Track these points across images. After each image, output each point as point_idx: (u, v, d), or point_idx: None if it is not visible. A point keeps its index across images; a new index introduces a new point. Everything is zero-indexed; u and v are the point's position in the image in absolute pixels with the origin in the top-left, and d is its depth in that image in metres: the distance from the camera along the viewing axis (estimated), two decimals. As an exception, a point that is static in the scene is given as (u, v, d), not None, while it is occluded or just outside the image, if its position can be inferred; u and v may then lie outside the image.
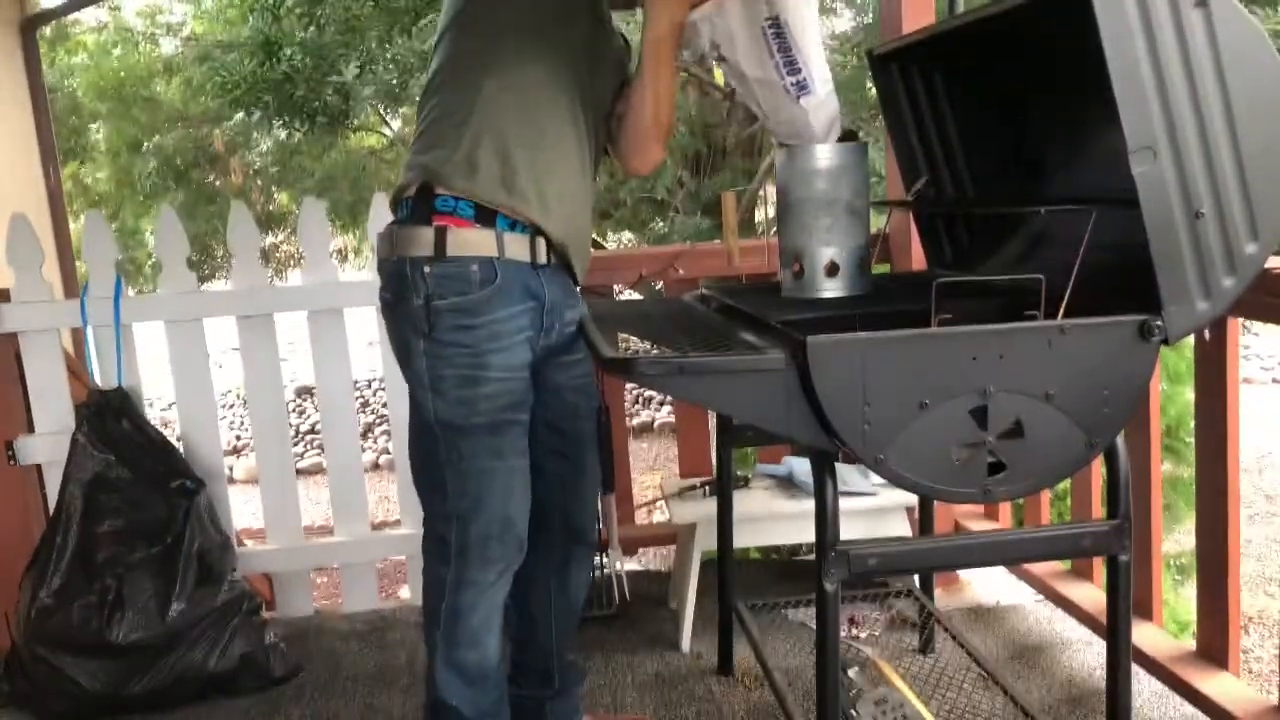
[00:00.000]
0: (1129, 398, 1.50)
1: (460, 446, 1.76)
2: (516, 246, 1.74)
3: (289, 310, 2.87)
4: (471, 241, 1.71)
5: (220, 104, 6.42)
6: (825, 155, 1.85)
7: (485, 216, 1.72)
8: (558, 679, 2.06)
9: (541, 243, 1.76)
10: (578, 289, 1.89)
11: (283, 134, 6.61)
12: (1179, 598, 4.20)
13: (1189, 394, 3.96)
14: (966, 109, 2.09)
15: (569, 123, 1.78)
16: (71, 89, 7.78)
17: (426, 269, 1.70)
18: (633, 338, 2.02)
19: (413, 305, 1.72)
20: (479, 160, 1.71)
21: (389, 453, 8.46)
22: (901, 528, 2.57)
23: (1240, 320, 2.05)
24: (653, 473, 7.92)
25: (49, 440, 2.73)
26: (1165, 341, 1.47)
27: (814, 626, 1.93)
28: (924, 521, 2.42)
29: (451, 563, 1.81)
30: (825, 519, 1.51)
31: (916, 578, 2.53)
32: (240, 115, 6.87)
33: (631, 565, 4.25)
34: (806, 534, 1.97)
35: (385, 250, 1.77)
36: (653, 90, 1.83)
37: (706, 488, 2.68)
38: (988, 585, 2.84)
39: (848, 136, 1.91)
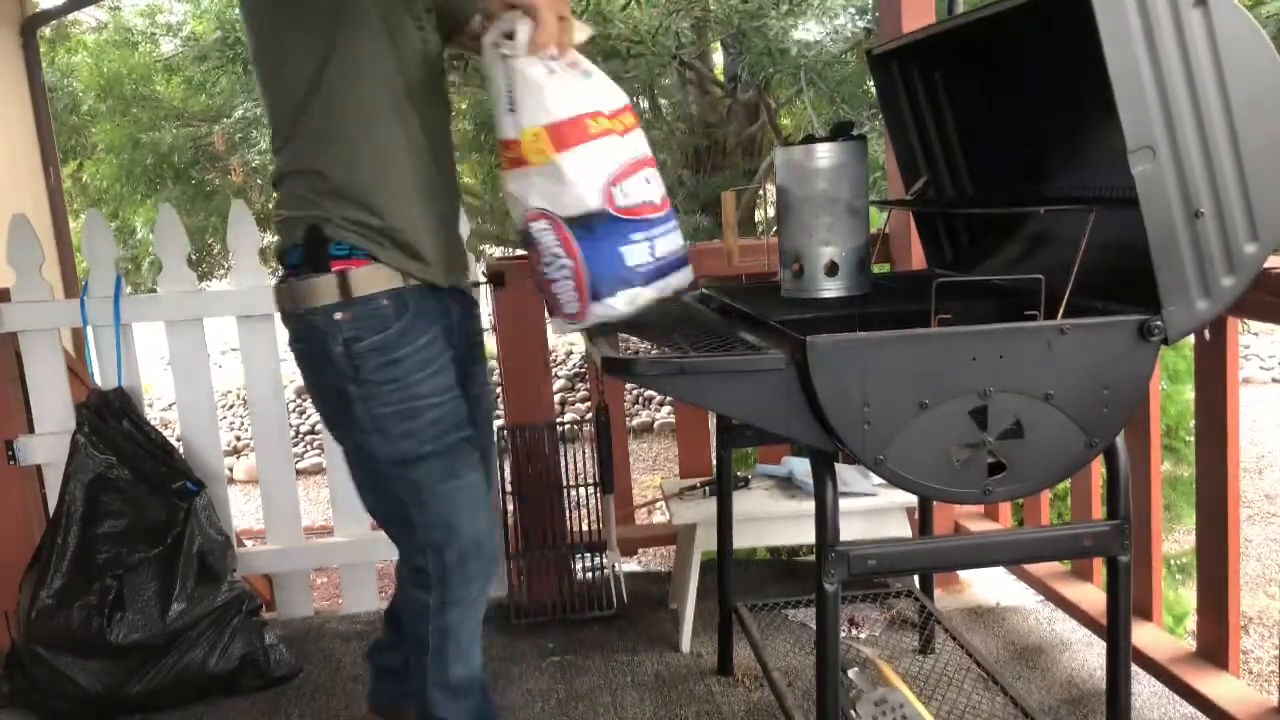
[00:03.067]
0: (1129, 398, 1.50)
1: (416, 479, 1.77)
2: (420, 268, 1.74)
3: (289, 310, 2.86)
4: (374, 278, 1.70)
5: (220, 100, 6.41)
6: (825, 154, 1.85)
7: (375, 252, 1.70)
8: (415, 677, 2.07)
9: (426, 263, 1.76)
10: (475, 300, 1.92)
11: None
12: (1177, 596, 4.20)
13: (1189, 393, 3.97)
14: (966, 109, 2.08)
15: (404, 144, 1.72)
16: (71, 88, 7.79)
17: (338, 315, 1.69)
18: (632, 338, 2.02)
19: (334, 354, 1.70)
20: (347, 202, 1.69)
21: (389, 452, 8.44)
22: (901, 528, 2.57)
23: (1240, 320, 2.05)
24: (653, 473, 7.92)
25: (49, 440, 2.73)
26: (1165, 341, 1.47)
27: (814, 626, 1.93)
28: (924, 522, 2.42)
29: (433, 589, 1.83)
30: (825, 519, 1.51)
31: (916, 578, 2.53)
32: (240, 113, 6.87)
33: (631, 566, 4.26)
34: (806, 534, 1.97)
35: (288, 303, 1.74)
36: None
37: (706, 488, 2.67)
38: (988, 585, 2.84)
39: (846, 130, 1.90)
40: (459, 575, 1.81)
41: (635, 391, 9.33)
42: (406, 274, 1.72)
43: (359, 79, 1.67)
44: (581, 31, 1.63)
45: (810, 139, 1.90)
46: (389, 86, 1.69)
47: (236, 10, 5.86)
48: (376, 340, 1.70)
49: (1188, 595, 4.23)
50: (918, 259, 2.54)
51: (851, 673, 2.17)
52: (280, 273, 1.79)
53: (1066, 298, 1.50)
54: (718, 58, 6.79)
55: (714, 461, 2.54)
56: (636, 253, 1.61)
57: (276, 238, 1.80)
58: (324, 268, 1.69)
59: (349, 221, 1.69)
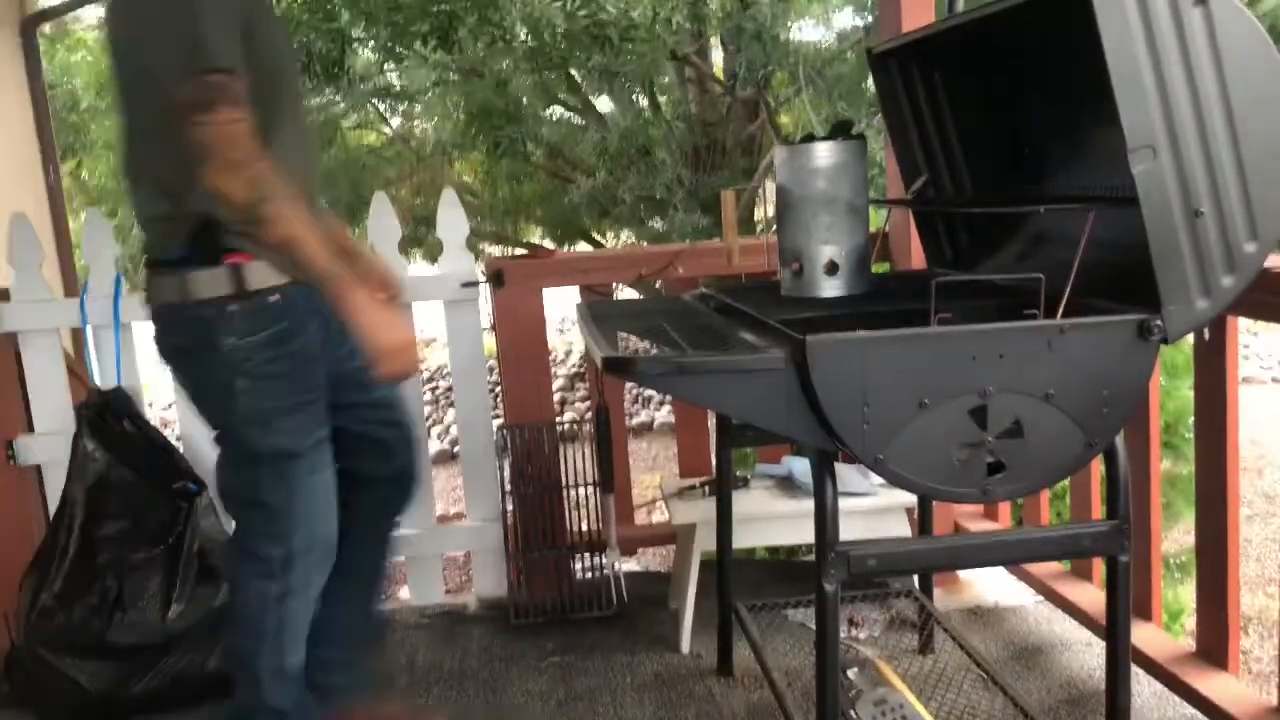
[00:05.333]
0: (1128, 397, 1.50)
1: (287, 470, 1.81)
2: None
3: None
4: (265, 273, 1.72)
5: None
6: (825, 154, 1.85)
7: (258, 250, 1.71)
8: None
9: None
10: None
11: None
12: (1175, 594, 4.20)
13: (1187, 389, 3.96)
14: (966, 108, 2.08)
15: (292, 140, 1.76)
16: (71, 86, 7.78)
17: (231, 308, 1.71)
18: (632, 337, 2.03)
19: (223, 347, 1.72)
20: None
21: (389, 452, 8.44)
22: (901, 528, 2.57)
23: (1239, 319, 2.05)
24: (652, 473, 7.91)
25: (49, 440, 2.73)
26: (1165, 340, 1.47)
27: (814, 626, 1.93)
28: (924, 521, 2.42)
29: (276, 576, 1.87)
30: (825, 519, 1.51)
31: (916, 578, 2.53)
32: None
33: (631, 565, 4.25)
34: (806, 534, 1.97)
35: (173, 296, 1.73)
36: (286, 243, 1.63)
37: (706, 488, 2.67)
38: (988, 585, 2.83)
39: (846, 129, 1.90)
40: (303, 565, 1.87)
41: (635, 391, 9.33)
42: (292, 273, 1.73)
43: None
44: None
45: (810, 138, 1.89)
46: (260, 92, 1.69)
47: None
48: (267, 335, 1.73)
49: (1185, 593, 4.23)
50: (918, 258, 2.54)
51: (851, 673, 2.17)
52: (156, 269, 1.77)
53: (1066, 297, 1.50)
54: (717, 56, 6.78)
55: (714, 461, 2.54)
56: None
57: (148, 234, 1.79)
58: (217, 261, 1.70)
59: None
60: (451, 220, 2.81)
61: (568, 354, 10.57)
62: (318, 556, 1.89)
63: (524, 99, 5.72)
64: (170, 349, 1.81)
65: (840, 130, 1.89)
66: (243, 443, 1.82)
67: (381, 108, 7.50)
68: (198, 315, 1.72)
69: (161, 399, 9.72)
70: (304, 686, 1.98)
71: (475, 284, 2.80)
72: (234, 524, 2.00)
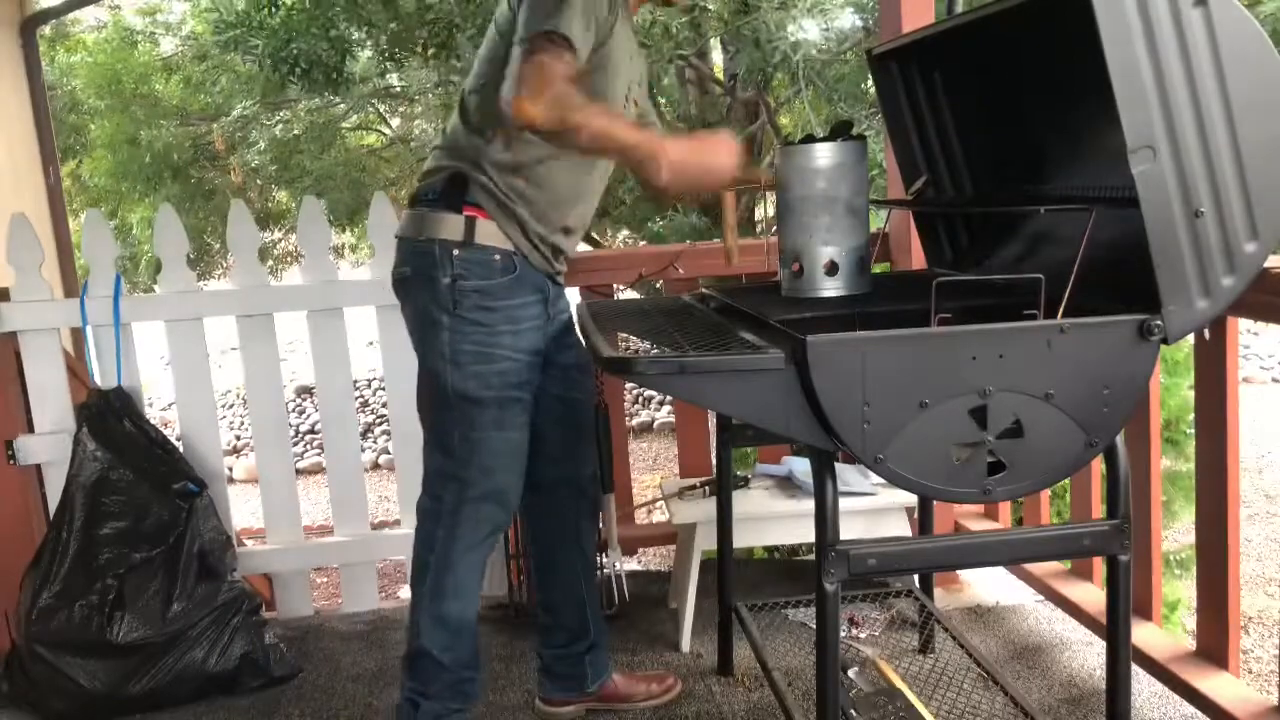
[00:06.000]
0: (1129, 397, 1.50)
1: (471, 416, 1.92)
2: (535, 255, 1.94)
3: (289, 310, 2.87)
4: (494, 233, 1.89)
5: (220, 99, 6.37)
6: (825, 154, 1.85)
7: (508, 214, 1.90)
8: (593, 630, 2.24)
9: (550, 253, 1.97)
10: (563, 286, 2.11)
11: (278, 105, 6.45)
12: (1172, 588, 4.19)
13: (1188, 386, 3.96)
14: (966, 109, 2.08)
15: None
16: (71, 87, 7.78)
17: (456, 252, 1.87)
18: (632, 337, 2.04)
19: (439, 283, 1.87)
20: (509, 173, 1.89)
21: (389, 453, 8.45)
22: (901, 528, 2.57)
23: (1240, 319, 2.05)
24: (653, 473, 7.92)
25: (49, 440, 2.73)
26: (1165, 341, 1.47)
27: (814, 626, 1.93)
28: (924, 521, 2.42)
29: (443, 519, 1.96)
30: (825, 519, 1.51)
31: (916, 578, 2.53)
32: (238, 112, 6.85)
33: (631, 565, 4.25)
34: (806, 534, 1.97)
35: (413, 230, 1.91)
36: (596, 137, 1.73)
37: (706, 488, 2.67)
38: (988, 585, 2.84)
39: (846, 130, 1.90)
40: (473, 514, 1.96)
41: (635, 391, 9.33)
42: (517, 246, 1.91)
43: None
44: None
45: (810, 138, 1.89)
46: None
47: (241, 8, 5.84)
48: (480, 284, 1.88)
49: (1182, 588, 4.23)
50: (918, 259, 2.54)
51: (851, 673, 2.17)
52: (410, 206, 1.96)
53: (1066, 297, 1.50)
54: (717, 56, 6.78)
55: (714, 461, 2.54)
56: None
57: (420, 178, 1.98)
58: (457, 209, 1.88)
59: (494, 179, 1.88)
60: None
61: (568, 354, 10.57)
62: (490, 508, 1.97)
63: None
64: (398, 278, 1.97)
65: (840, 131, 1.89)
66: (437, 379, 1.93)
67: (381, 109, 7.50)
68: (426, 250, 1.89)
69: (161, 399, 9.74)
70: (471, 640, 2.04)
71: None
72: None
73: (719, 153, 1.76)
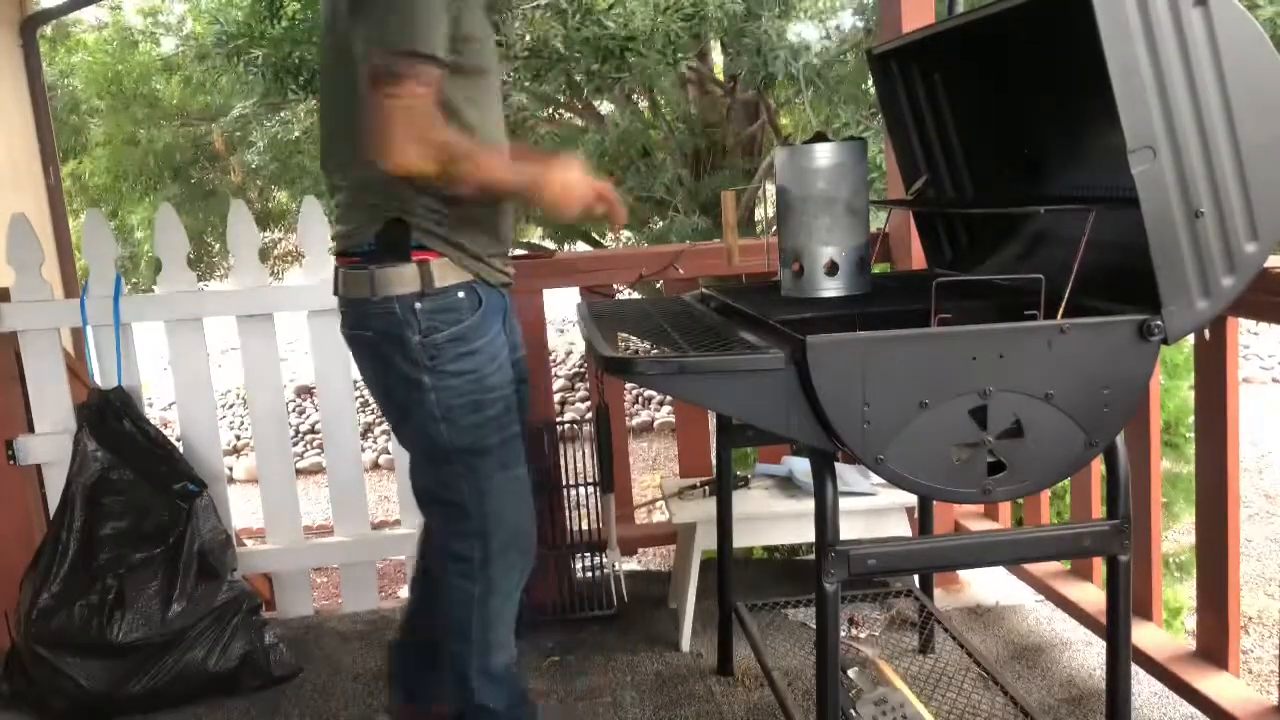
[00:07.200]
0: (1129, 397, 1.50)
1: (478, 468, 1.82)
2: (493, 272, 1.83)
3: (289, 310, 2.86)
4: (450, 270, 1.76)
5: (220, 99, 6.35)
6: (825, 154, 1.85)
7: (456, 245, 1.77)
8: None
9: (503, 262, 1.87)
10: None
11: (275, 104, 6.42)
12: (1174, 592, 4.20)
13: (1188, 388, 3.96)
14: (966, 109, 2.08)
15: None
16: (71, 87, 7.79)
17: (419, 305, 1.74)
18: (632, 337, 2.03)
19: (411, 343, 1.74)
20: (429, 196, 1.73)
21: (389, 453, 8.46)
22: (901, 528, 2.57)
23: (1240, 319, 2.05)
24: (653, 473, 7.92)
25: (49, 440, 2.73)
26: (1165, 341, 1.47)
27: (814, 626, 1.93)
28: (924, 521, 2.42)
29: (476, 576, 1.87)
30: (825, 519, 1.51)
31: (916, 578, 2.53)
32: (238, 112, 6.85)
33: (631, 565, 4.26)
34: (806, 534, 1.97)
35: (365, 290, 1.76)
36: (482, 187, 1.71)
37: (706, 488, 2.68)
38: (988, 585, 2.84)
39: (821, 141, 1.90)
40: (502, 563, 1.87)
41: (635, 391, 9.34)
42: (476, 272, 1.79)
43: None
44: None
45: (819, 137, 1.90)
46: (464, 86, 1.73)
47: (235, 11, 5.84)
48: (453, 332, 1.75)
49: (1184, 592, 4.23)
50: (918, 259, 2.55)
51: (851, 672, 2.17)
52: (345, 261, 1.81)
53: (1066, 297, 1.50)
54: (717, 56, 6.78)
55: (714, 461, 2.55)
56: None
57: (340, 225, 1.83)
58: (406, 257, 1.73)
59: (429, 212, 1.73)
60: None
61: (568, 354, 10.59)
62: (515, 555, 1.89)
63: (523, 109, 5.72)
64: (358, 342, 1.83)
65: (818, 141, 1.90)
66: (432, 440, 1.82)
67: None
68: (386, 310, 1.75)
69: (161, 399, 9.74)
70: (518, 686, 1.98)
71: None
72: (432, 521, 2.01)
73: (574, 171, 1.75)
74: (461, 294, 1.77)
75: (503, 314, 1.88)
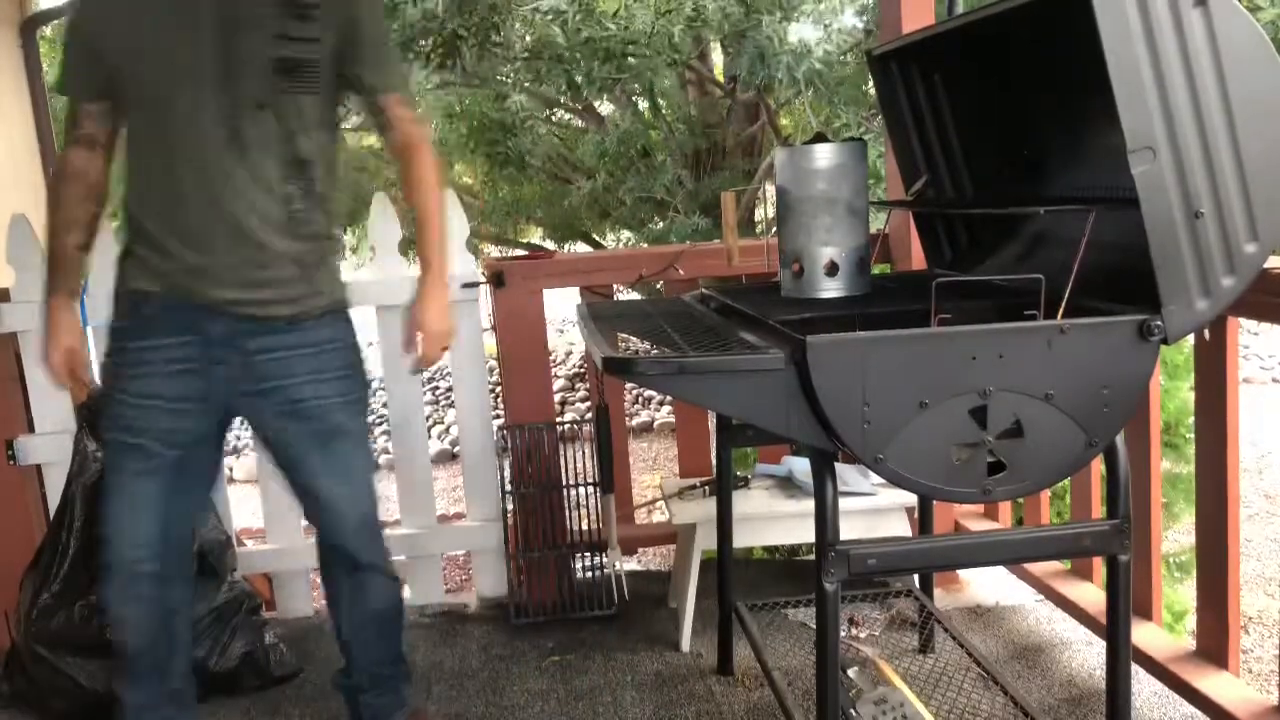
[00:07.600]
0: (1129, 397, 1.50)
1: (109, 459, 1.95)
2: (148, 281, 1.85)
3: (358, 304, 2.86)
4: (127, 274, 1.87)
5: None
6: (825, 155, 1.85)
7: (121, 257, 1.89)
8: (369, 682, 2.12)
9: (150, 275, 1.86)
10: (274, 318, 1.86)
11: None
12: (1176, 594, 4.19)
13: (1187, 389, 3.96)
14: (966, 109, 2.09)
15: (166, 167, 1.80)
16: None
17: (117, 293, 1.90)
18: (632, 338, 2.03)
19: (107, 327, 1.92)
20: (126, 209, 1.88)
21: (389, 452, 8.43)
22: (901, 528, 2.57)
23: (1240, 320, 2.05)
24: (653, 473, 7.92)
25: (49, 440, 2.73)
26: (1165, 341, 1.47)
27: (814, 626, 1.93)
28: (924, 521, 2.42)
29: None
30: (825, 519, 1.51)
31: (916, 578, 2.53)
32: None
33: (631, 565, 4.26)
34: (806, 534, 1.97)
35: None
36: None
37: (706, 488, 2.68)
38: (988, 585, 2.84)
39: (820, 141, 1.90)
40: (102, 557, 1.93)
41: (635, 391, 9.33)
42: (135, 282, 1.85)
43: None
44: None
45: (820, 137, 1.90)
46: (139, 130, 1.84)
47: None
48: (113, 326, 1.91)
49: (1186, 593, 4.23)
50: (918, 259, 2.55)
51: (851, 672, 2.17)
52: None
53: (1066, 297, 1.50)
54: (717, 57, 6.78)
55: (714, 461, 2.55)
56: None
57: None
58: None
59: (126, 223, 1.89)
60: (451, 222, 2.81)
61: (568, 354, 10.58)
62: (106, 555, 1.91)
63: (522, 110, 5.71)
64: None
65: (818, 142, 1.90)
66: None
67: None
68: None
69: (161, 399, 9.72)
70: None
71: (476, 285, 2.80)
72: None
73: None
74: (124, 297, 1.89)
75: (186, 332, 1.85)
